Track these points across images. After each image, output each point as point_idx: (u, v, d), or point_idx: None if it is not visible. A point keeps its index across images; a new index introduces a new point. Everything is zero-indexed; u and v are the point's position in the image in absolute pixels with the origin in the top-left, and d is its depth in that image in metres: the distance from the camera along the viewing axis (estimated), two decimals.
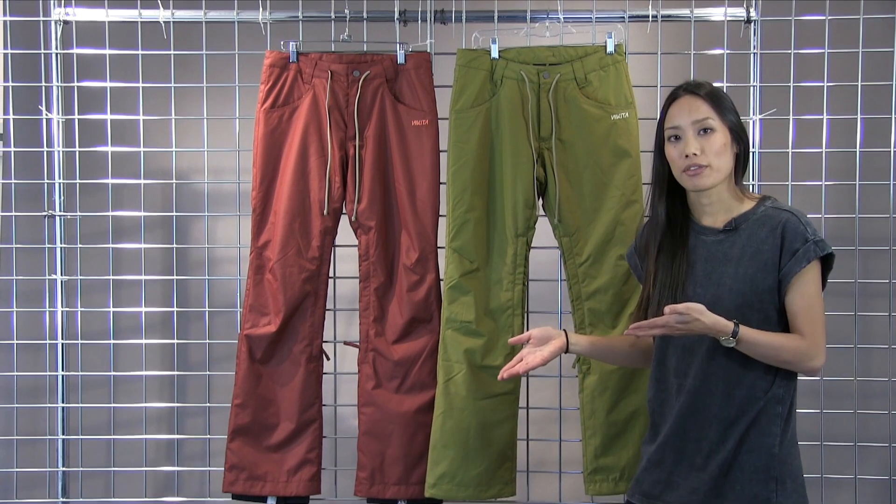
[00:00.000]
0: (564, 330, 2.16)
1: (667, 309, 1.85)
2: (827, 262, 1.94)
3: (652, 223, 2.08)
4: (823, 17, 2.72)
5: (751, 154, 2.03)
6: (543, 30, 2.69)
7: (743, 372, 1.93)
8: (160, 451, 3.18)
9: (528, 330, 2.61)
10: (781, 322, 1.94)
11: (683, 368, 2.00)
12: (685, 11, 2.72)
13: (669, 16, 2.72)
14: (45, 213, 2.81)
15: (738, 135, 1.98)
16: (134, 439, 2.96)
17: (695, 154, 1.94)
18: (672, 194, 2.05)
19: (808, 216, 2.67)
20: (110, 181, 2.84)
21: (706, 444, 1.96)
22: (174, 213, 2.86)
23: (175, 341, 2.88)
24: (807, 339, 1.90)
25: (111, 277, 2.89)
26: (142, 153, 2.84)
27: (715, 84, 2.71)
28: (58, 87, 2.79)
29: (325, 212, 2.60)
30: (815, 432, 2.81)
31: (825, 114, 2.76)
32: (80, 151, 2.83)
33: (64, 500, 2.87)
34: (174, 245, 2.91)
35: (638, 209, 2.54)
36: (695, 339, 1.96)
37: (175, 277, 2.88)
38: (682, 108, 1.98)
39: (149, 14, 2.76)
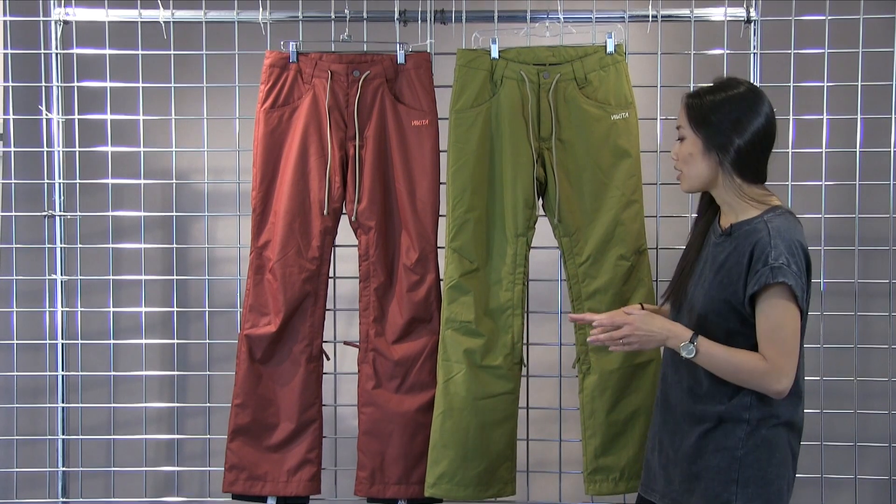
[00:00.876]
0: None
1: (596, 332, 1.99)
2: (790, 288, 1.86)
3: (697, 216, 2.15)
4: (823, 17, 2.72)
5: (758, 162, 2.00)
6: (543, 30, 2.69)
7: (708, 373, 1.95)
8: (160, 451, 3.18)
9: (527, 329, 2.63)
10: (753, 338, 1.91)
11: (667, 359, 2.08)
12: (685, 11, 2.72)
13: (669, 16, 2.71)
14: (45, 213, 2.81)
15: (718, 144, 1.94)
16: (134, 439, 2.96)
17: (674, 159, 2.05)
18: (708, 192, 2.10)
19: (809, 215, 2.68)
20: (110, 181, 2.84)
21: (678, 437, 2.01)
22: (174, 213, 2.86)
23: (175, 341, 2.88)
24: (768, 361, 1.87)
25: (111, 277, 2.89)
26: (142, 153, 2.84)
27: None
28: (58, 87, 2.79)
29: (325, 212, 2.60)
30: (815, 432, 2.81)
31: (825, 114, 2.76)
32: (80, 151, 2.83)
33: (64, 500, 2.87)
34: (174, 245, 2.91)
35: (638, 209, 2.54)
36: None
37: (175, 277, 2.88)
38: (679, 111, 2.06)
39: (149, 14, 2.76)
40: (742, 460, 1.93)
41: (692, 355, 1.89)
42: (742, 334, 1.92)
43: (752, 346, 1.91)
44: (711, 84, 2.03)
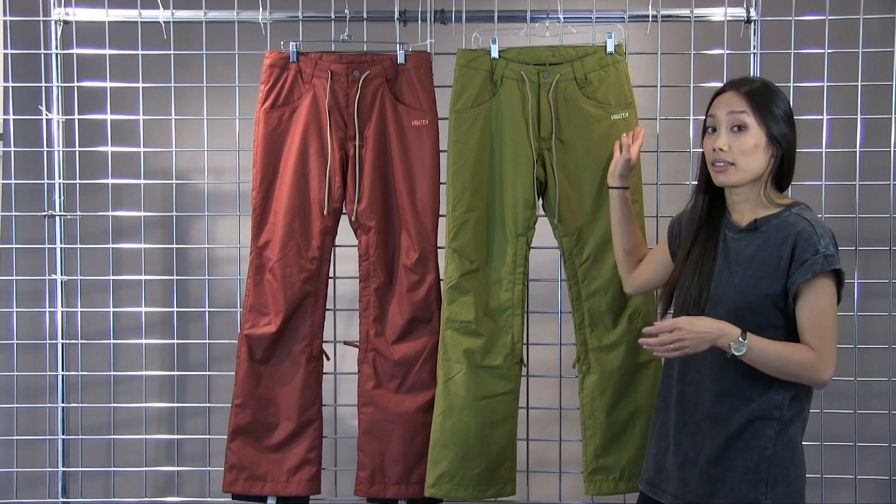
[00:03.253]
0: None
1: (649, 340, 1.88)
2: (839, 278, 1.89)
3: (692, 211, 2.08)
4: (823, 17, 2.72)
5: (793, 165, 1.98)
6: (543, 30, 2.69)
7: (732, 370, 1.92)
8: (160, 451, 3.18)
9: (527, 329, 2.62)
10: (788, 330, 1.90)
11: (686, 359, 1.99)
12: (685, 11, 2.72)
13: (669, 16, 2.71)
14: (45, 213, 2.81)
15: (779, 141, 1.92)
16: (134, 439, 2.96)
17: (721, 149, 1.93)
18: (713, 186, 2.03)
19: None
20: (110, 181, 2.84)
21: (700, 437, 1.96)
22: (174, 213, 2.86)
23: (175, 341, 2.88)
24: (816, 351, 1.85)
25: (111, 277, 2.89)
26: (142, 153, 2.84)
27: (714, 84, 2.73)
28: (58, 87, 2.79)
29: (325, 212, 2.60)
30: (815, 432, 2.81)
31: (825, 114, 2.76)
32: (80, 151, 2.83)
33: (64, 500, 2.87)
34: (174, 245, 2.91)
35: (638, 209, 2.54)
36: None
37: (175, 277, 2.88)
38: (723, 101, 1.96)
39: (149, 14, 2.76)
40: (771, 459, 1.90)
41: (743, 352, 1.83)
42: (778, 328, 1.89)
43: (787, 339, 1.89)
44: (748, 78, 1.99)
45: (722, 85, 2.03)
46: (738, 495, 1.92)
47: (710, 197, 2.05)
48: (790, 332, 1.90)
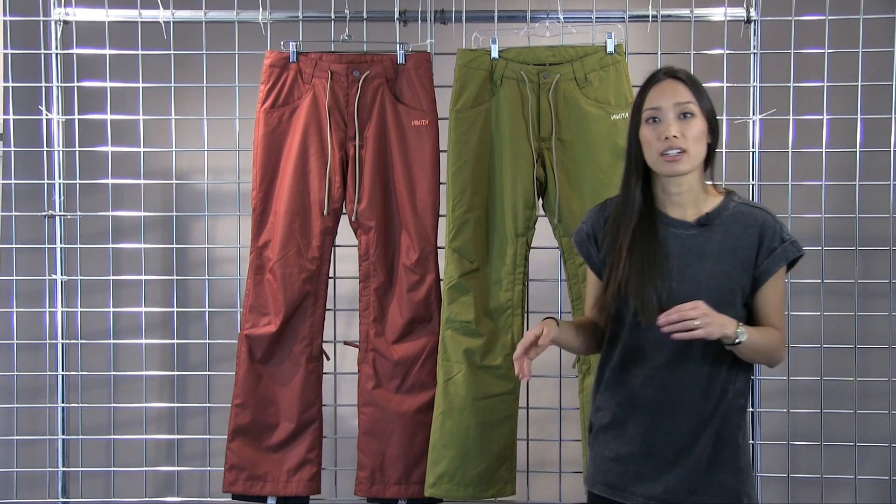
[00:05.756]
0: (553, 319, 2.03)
1: (669, 317, 1.80)
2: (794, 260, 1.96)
3: (625, 210, 1.98)
4: (823, 17, 2.72)
5: (720, 152, 2.02)
6: (543, 30, 2.69)
7: (717, 366, 1.92)
8: (160, 451, 3.18)
9: (527, 329, 2.62)
10: (744, 318, 1.93)
11: (650, 360, 1.95)
12: (685, 11, 2.72)
13: (669, 16, 2.72)
14: (45, 213, 2.81)
15: (713, 126, 1.94)
16: (134, 439, 2.96)
17: (675, 137, 1.88)
18: (645, 181, 1.97)
19: (809, 215, 2.70)
20: (110, 181, 2.84)
21: (678, 438, 1.94)
22: (174, 213, 2.86)
23: (175, 341, 2.88)
24: (781, 332, 1.93)
25: (111, 277, 2.89)
26: (142, 153, 2.84)
27: (714, 84, 2.73)
28: (58, 87, 2.79)
29: (325, 212, 2.60)
30: (815, 432, 2.81)
31: (825, 114, 2.76)
32: (80, 151, 2.83)
33: (64, 500, 2.87)
34: (174, 245, 2.91)
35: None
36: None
37: (175, 277, 2.88)
38: (663, 90, 1.92)
39: (149, 14, 2.76)
40: (742, 447, 1.94)
41: (744, 339, 1.83)
42: (740, 317, 1.91)
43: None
44: (673, 66, 1.96)
45: (652, 74, 1.96)
46: (723, 488, 1.92)
47: (645, 191, 1.97)
48: (746, 320, 1.93)
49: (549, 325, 1.93)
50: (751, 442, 2.74)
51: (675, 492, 1.94)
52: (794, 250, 1.91)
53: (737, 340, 1.83)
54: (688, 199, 1.95)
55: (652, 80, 1.96)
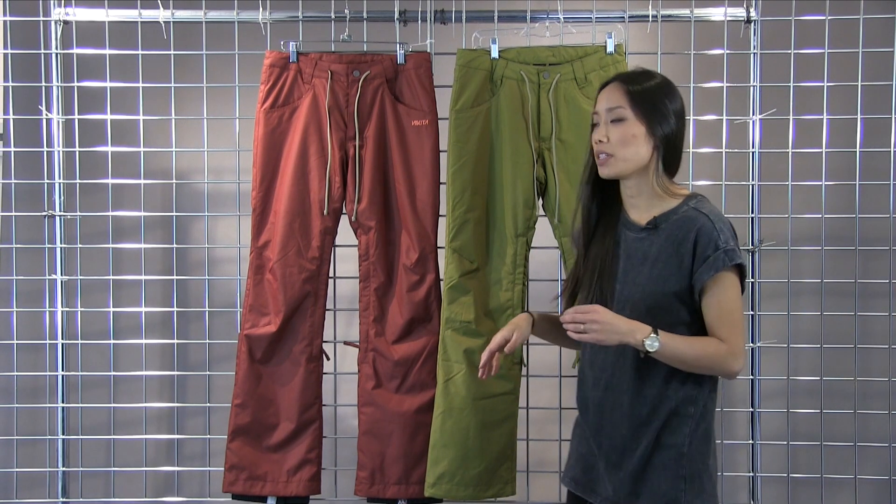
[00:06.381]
0: (530, 313, 2.11)
1: (565, 316, 1.84)
2: (741, 269, 1.88)
3: (582, 209, 2.04)
4: (823, 17, 2.72)
5: (683, 153, 1.97)
6: (543, 30, 2.69)
7: (654, 370, 1.91)
8: (160, 451, 3.18)
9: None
10: (696, 325, 1.91)
11: (599, 362, 1.99)
12: (685, 11, 2.72)
13: (669, 16, 2.72)
14: (45, 213, 2.81)
15: (661, 129, 1.92)
16: (134, 439, 2.96)
17: (600, 141, 1.94)
18: (602, 183, 2.00)
19: (809, 215, 2.68)
20: (110, 181, 2.84)
21: (620, 440, 1.95)
22: (174, 213, 2.86)
23: (175, 341, 2.88)
24: (725, 343, 1.86)
25: (111, 277, 2.89)
26: (142, 153, 2.84)
27: (714, 84, 2.73)
28: (58, 87, 2.79)
29: (325, 212, 2.60)
30: (815, 432, 2.81)
31: (825, 114, 2.76)
32: (80, 151, 2.83)
33: (64, 500, 2.87)
34: (174, 245, 2.91)
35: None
36: None
37: (175, 277, 2.88)
38: (603, 96, 1.96)
39: (149, 14, 2.76)
40: (688, 455, 1.90)
41: (656, 348, 1.83)
42: (686, 324, 1.90)
43: (696, 334, 1.89)
44: (637, 71, 1.99)
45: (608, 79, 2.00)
46: (658, 494, 1.91)
47: (601, 193, 2.01)
48: (699, 328, 1.90)
49: (520, 329, 1.99)
50: (751, 442, 2.76)
51: (619, 493, 1.96)
52: (727, 260, 1.84)
53: (647, 349, 1.83)
54: (642, 202, 1.97)
55: (604, 83, 2.00)
